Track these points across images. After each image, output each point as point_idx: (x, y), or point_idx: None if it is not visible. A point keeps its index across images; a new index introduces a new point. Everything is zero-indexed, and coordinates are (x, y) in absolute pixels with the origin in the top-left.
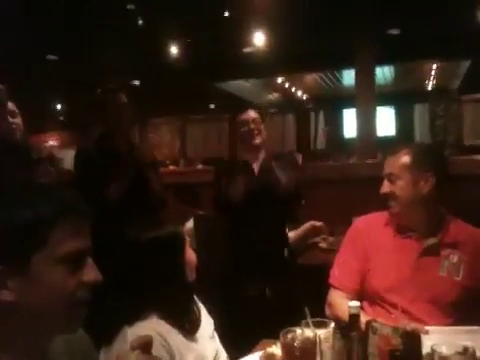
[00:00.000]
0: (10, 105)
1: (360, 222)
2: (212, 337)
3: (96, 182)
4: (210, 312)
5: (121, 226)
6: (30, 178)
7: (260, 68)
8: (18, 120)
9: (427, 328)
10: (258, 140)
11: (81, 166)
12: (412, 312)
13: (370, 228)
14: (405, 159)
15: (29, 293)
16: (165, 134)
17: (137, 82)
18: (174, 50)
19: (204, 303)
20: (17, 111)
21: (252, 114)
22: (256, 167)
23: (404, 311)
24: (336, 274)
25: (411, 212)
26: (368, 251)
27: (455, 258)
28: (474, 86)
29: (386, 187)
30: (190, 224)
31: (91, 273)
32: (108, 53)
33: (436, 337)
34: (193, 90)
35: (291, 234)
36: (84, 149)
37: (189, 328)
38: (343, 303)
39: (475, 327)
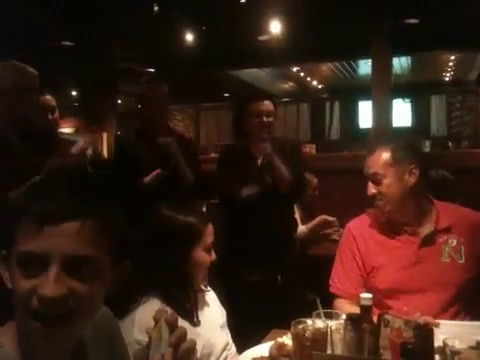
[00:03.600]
0: (49, 99)
1: (352, 226)
2: (223, 327)
3: (135, 169)
4: (222, 303)
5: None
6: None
7: (275, 57)
8: (56, 115)
9: (439, 321)
10: (268, 134)
11: (122, 152)
12: (420, 304)
13: (364, 230)
14: (386, 156)
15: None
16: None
17: (151, 69)
18: (189, 37)
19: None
20: (55, 106)
21: (269, 106)
22: (260, 159)
23: (412, 306)
24: (336, 282)
25: (402, 206)
26: (366, 254)
27: (454, 242)
28: None
29: (372, 188)
30: None
31: (44, 285)
32: (123, 40)
33: (448, 331)
34: (207, 78)
35: (303, 228)
36: (125, 136)
37: (185, 315)
38: (351, 309)
39: None
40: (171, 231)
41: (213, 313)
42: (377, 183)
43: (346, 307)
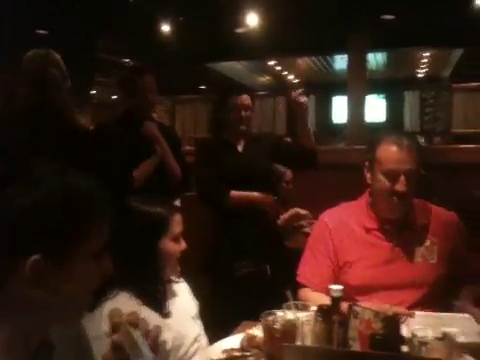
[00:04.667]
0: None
1: (328, 217)
2: (194, 319)
3: (117, 158)
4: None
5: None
6: None
7: (252, 50)
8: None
9: (415, 312)
10: (246, 127)
11: (103, 141)
12: (391, 302)
13: (339, 223)
14: (415, 153)
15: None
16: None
17: (127, 60)
18: (166, 29)
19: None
20: None
21: (247, 100)
22: (240, 147)
23: (383, 303)
24: (307, 274)
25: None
26: (339, 247)
27: (428, 241)
28: (465, 74)
29: (404, 186)
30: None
31: (108, 265)
32: (99, 31)
33: (424, 321)
34: (183, 70)
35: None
36: (107, 123)
37: (155, 307)
38: (317, 297)
39: (464, 315)
40: (137, 223)
41: (184, 304)
42: (411, 181)
43: (313, 295)
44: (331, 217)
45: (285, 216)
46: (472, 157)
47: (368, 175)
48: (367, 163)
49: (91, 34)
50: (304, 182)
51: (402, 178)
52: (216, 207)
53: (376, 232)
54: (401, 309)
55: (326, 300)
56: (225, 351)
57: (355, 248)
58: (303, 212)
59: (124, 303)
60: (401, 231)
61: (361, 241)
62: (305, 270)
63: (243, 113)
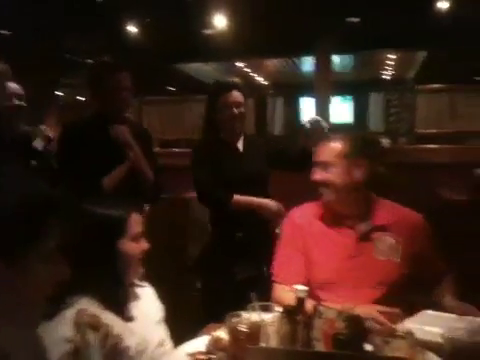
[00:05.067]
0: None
1: (295, 214)
2: (159, 323)
3: (83, 163)
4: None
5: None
6: None
7: (220, 51)
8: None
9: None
10: (241, 124)
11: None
12: (352, 299)
13: (305, 219)
14: (338, 147)
15: None
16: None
17: (92, 61)
18: (133, 30)
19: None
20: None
21: (238, 97)
22: (240, 146)
23: (344, 300)
24: (279, 270)
25: (344, 199)
26: (306, 243)
27: (391, 240)
28: (429, 76)
29: (318, 174)
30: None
31: (63, 269)
32: (65, 32)
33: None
34: (151, 71)
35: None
36: (73, 125)
37: (117, 311)
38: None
39: (451, 315)
40: (93, 226)
41: (148, 308)
42: (324, 170)
43: (285, 295)
44: (298, 215)
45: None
46: (435, 157)
47: None
48: None
49: (56, 34)
50: (273, 184)
51: (314, 169)
52: (217, 210)
53: (339, 229)
54: (386, 308)
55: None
56: (190, 355)
57: (320, 245)
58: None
59: (84, 308)
60: (362, 228)
61: (325, 237)
62: (279, 269)
63: (235, 111)
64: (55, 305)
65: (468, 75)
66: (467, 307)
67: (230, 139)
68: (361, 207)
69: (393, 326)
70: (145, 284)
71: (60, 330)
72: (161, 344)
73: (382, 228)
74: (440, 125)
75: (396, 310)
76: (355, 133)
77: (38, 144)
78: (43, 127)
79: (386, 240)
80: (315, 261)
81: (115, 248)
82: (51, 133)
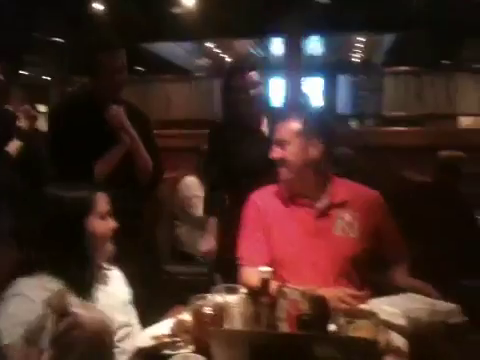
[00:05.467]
0: None
1: (255, 196)
2: (126, 305)
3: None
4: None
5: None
6: None
7: (188, 31)
8: None
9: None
10: (258, 105)
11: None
12: (314, 276)
13: (265, 201)
14: (295, 126)
15: None
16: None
17: (59, 39)
18: (99, 7)
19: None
20: None
21: (252, 77)
22: (265, 128)
23: (306, 277)
24: (244, 253)
25: (301, 177)
26: (267, 223)
27: (348, 216)
28: (397, 60)
29: (276, 153)
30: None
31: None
32: (29, 9)
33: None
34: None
35: None
36: (63, 105)
37: (81, 292)
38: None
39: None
40: (58, 205)
41: (115, 291)
42: (282, 148)
43: (254, 275)
44: (259, 197)
45: None
46: (401, 139)
47: None
48: None
49: (20, 12)
50: None
51: (273, 147)
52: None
53: (298, 207)
54: (351, 290)
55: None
56: (154, 337)
57: (280, 224)
58: None
59: (42, 282)
60: (320, 206)
61: (285, 217)
62: (244, 252)
63: (251, 92)
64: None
65: (435, 58)
66: (426, 286)
67: (250, 122)
68: (318, 185)
69: (357, 307)
70: (113, 267)
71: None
72: (124, 326)
73: (339, 205)
74: (407, 108)
75: (360, 292)
76: (313, 112)
77: (23, 123)
78: (27, 106)
79: (343, 216)
80: (276, 240)
81: (83, 227)
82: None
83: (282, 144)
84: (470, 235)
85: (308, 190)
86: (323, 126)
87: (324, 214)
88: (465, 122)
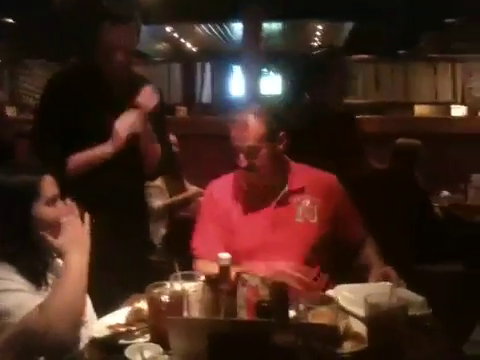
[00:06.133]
0: None
1: (213, 187)
2: None
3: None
4: None
5: None
6: None
7: (146, 14)
8: None
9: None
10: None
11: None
12: (278, 265)
13: (224, 191)
14: (260, 128)
15: None
16: (39, 78)
17: (11, 20)
18: None
19: None
20: None
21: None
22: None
23: (270, 266)
24: (199, 244)
25: (268, 173)
26: (227, 215)
27: (307, 202)
28: (356, 48)
29: (245, 162)
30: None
31: None
32: None
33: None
34: (75, 32)
35: (174, 199)
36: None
37: (33, 281)
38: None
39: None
40: (3, 190)
41: None
42: (252, 156)
43: (208, 268)
44: (217, 187)
45: (185, 195)
46: (360, 126)
47: None
48: None
49: None
50: (199, 153)
51: (241, 155)
52: None
53: (258, 197)
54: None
55: (212, 269)
56: (110, 327)
57: (240, 214)
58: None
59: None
60: (278, 193)
61: (245, 207)
62: (197, 242)
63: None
64: None
65: (393, 48)
66: (387, 269)
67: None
68: (279, 175)
69: (316, 293)
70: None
71: None
72: None
73: (298, 191)
74: (365, 96)
75: (311, 280)
76: (269, 108)
77: None
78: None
79: (303, 203)
80: (237, 231)
81: (29, 213)
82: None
83: (252, 151)
84: (425, 222)
85: (269, 181)
86: (283, 117)
87: (285, 201)
88: (419, 111)
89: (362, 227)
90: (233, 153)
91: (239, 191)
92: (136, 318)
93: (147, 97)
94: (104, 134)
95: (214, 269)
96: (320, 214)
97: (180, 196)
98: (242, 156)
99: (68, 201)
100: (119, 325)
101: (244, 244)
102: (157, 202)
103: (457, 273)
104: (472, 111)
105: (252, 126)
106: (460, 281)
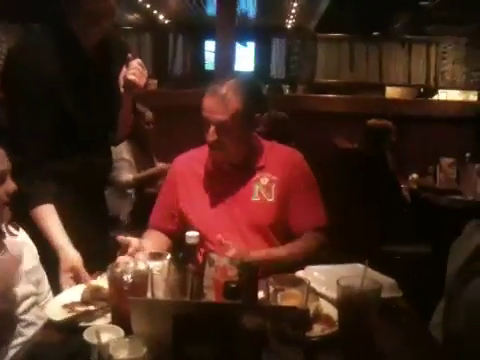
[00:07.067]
0: None
1: (177, 162)
2: (30, 274)
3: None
4: None
5: None
6: None
7: None
8: None
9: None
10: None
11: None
12: (235, 243)
13: (187, 166)
14: (237, 105)
15: None
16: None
17: None
18: None
19: None
20: None
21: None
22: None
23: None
24: (154, 217)
25: (235, 153)
26: (184, 190)
27: (266, 180)
28: (330, 27)
29: (214, 136)
30: None
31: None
32: None
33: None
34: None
35: (137, 176)
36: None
37: None
38: (153, 239)
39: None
40: None
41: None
42: (222, 131)
43: (151, 235)
44: (180, 162)
45: (150, 172)
46: (332, 106)
47: None
48: None
49: None
50: (168, 126)
51: (211, 128)
52: None
53: (215, 173)
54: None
55: (158, 238)
56: (65, 306)
57: (198, 191)
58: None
59: None
60: (240, 171)
61: (203, 183)
62: (153, 215)
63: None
64: None
65: (368, 29)
66: None
67: None
68: (245, 155)
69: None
70: (17, 231)
71: None
72: (27, 296)
73: (260, 169)
74: (339, 75)
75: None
76: (245, 83)
77: None
78: None
79: (260, 181)
80: (192, 208)
81: None
82: None
83: (223, 126)
84: (394, 202)
85: (233, 159)
86: (260, 97)
87: (244, 179)
88: (391, 92)
89: (310, 220)
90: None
91: (201, 166)
92: (93, 296)
93: (139, 74)
94: (77, 102)
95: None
96: (279, 193)
97: (149, 170)
98: (212, 130)
99: None
100: (75, 304)
101: (200, 221)
102: (127, 175)
103: (425, 254)
104: (444, 94)
105: (230, 100)
106: (427, 262)
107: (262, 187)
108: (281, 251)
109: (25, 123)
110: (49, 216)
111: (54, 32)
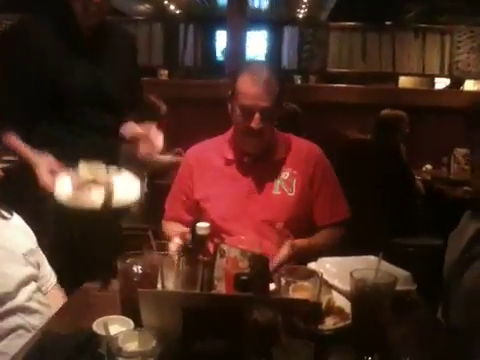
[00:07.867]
0: None
1: (191, 152)
2: (28, 256)
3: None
4: None
5: None
6: None
7: None
8: None
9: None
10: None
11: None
12: (253, 237)
13: (202, 157)
14: (277, 90)
15: None
16: None
17: None
18: None
19: None
20: None
21: None
22: None
23: (247, 236)
24: (169, 206)
25: (267, 141)
26: (200, 181)
27: (286, 174)
28: (342, 17)
29: (258, 124)
30: None
31: None
32: None
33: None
34: None
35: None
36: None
37: None
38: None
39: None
40: None
41: (12, 241)
42: (266, 118)
43: (173, 228)
44: (194, 153)
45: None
46: (344, 96)
47: (229, 105)
48: (230, 92)
49: None
50: (181, 117)
51: (257, 116)
52: None
53: (235, 165)
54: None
55: (178, 229)
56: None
57: (215, 182)
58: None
59: None
60: (260, 164)
61: (221, 175)
62: (168, 204)
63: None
64: None
65: (380, 18)
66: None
67: None
68: (266, 144)
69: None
70: (9, 214)
71: None
72: (26, 282)
73: (280, 162)
74: (351, 65)
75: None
76: (276, 70)
77: None
78: None
79: (281, 175)
80: (209, 199)
81: None
82: None
83: (268, 113)
84: (408, 193)
85: (263, 148)
86: (282, 85)
87: (264, 173)
88: (404, 82)
89: (335, 213)
90: (235, 114)
91: (218, 157)
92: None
93: (150, 148)
94: (72, 82)
95: (178, 229)
96: (299, 187)
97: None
98: (257, 117)
99: None
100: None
101: (217, 213)
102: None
103: (438, 246)
104: (458, 84)
105: (273, 85)
106: (441, 255)
107: (283, 181)
108: (318, 241)
109: (7, 82)
110: (16, 140)
111: (55, 13)
